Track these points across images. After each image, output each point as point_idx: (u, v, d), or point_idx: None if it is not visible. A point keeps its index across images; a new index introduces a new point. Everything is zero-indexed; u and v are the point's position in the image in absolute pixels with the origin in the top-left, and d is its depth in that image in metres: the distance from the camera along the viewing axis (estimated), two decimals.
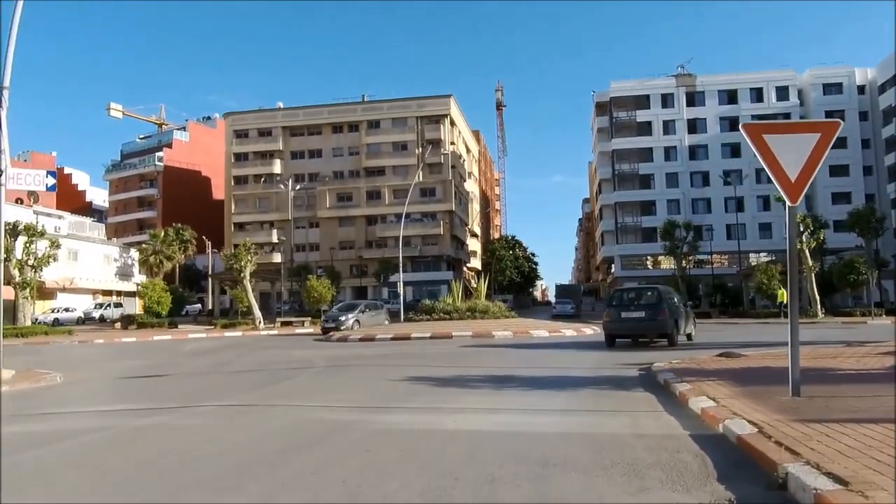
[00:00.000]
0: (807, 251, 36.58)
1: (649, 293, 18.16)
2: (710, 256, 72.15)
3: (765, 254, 71.64)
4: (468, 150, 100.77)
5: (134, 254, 76.28)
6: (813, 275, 36.30)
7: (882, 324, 30.34)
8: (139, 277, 75.10)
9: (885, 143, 75.85)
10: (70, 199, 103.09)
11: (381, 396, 8.56)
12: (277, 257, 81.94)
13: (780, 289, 39.51)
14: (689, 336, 18.43)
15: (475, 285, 26.88)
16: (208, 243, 79.29)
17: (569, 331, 23.52)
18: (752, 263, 64.73)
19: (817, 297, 36.40)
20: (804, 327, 28.44)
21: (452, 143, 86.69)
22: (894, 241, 69.67)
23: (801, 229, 36.82)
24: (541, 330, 22.93)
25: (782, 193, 7.07)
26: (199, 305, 70.65)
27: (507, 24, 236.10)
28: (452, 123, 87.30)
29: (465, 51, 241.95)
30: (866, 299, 44.98)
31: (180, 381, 11.73)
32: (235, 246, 73.51)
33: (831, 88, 79.05)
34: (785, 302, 38.30)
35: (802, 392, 6.93)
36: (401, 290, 42.06)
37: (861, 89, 78.84)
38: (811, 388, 7.10)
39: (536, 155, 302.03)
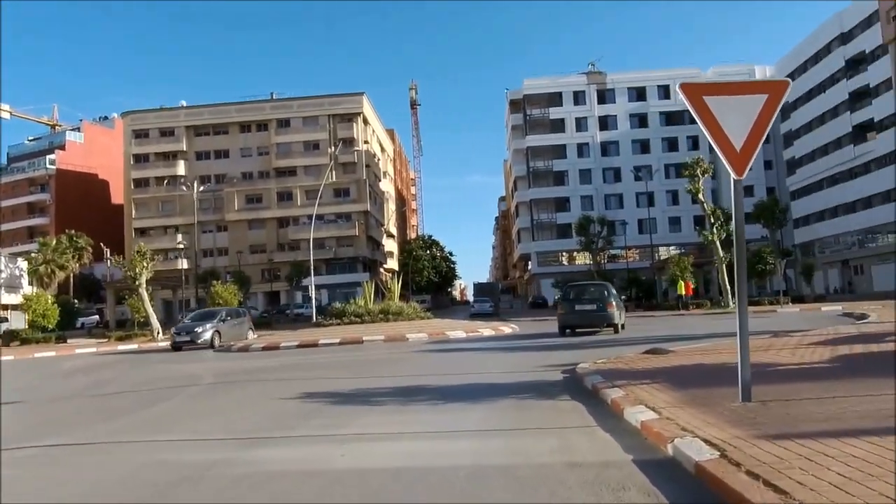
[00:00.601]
0: (717, 242, 37.01)
1: (597, 288, 20.28)
2: (622, 251, 73.51)
3: (674, 247, 73.38)
4: (383, 150, 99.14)
5: (22, 264, 70.70)
6: (724, 265, 36.74)
7: (791, 311, 30.85)
8: (30, 289, 69.74)
9: (784, 139, 79.15)
10: None
11: (263, 422, 7.08)
12: (184, 263, 77.97)
13: (679, 280, 40.01)
14: (622, 326, 19.54)
15: (390, 286, 25.41)
16: (106, 250, 74.51)
17: (487, 330, 22.49)
18: (663, 257, 66.20)
19: (728, 288, 36.86)
20: (714, 317, 28.66)
21: (366, 142, 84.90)
22: (793, 232, 72.86)
23: (712, 221, 37.27)
24: (457, 330, 21.78)
25: (727, 165, 6.05)
26: (96, 317, 66.14)
27: (422, 22, 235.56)
28: (366, 122, 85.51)
29: (379, 49, 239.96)
30: (769, 288, 46.38)
31: (29, 410, 9.81)
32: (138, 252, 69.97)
33: None
34: (683, 294, 38.72)
35: (753, 395, 5.93)
36: (312, 293, 40.20)
37: None
38: (759, 390, 6.11)
39: (453, 155, 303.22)
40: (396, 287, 25.53)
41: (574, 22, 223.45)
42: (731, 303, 36.45)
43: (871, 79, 62.15)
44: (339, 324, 23.21)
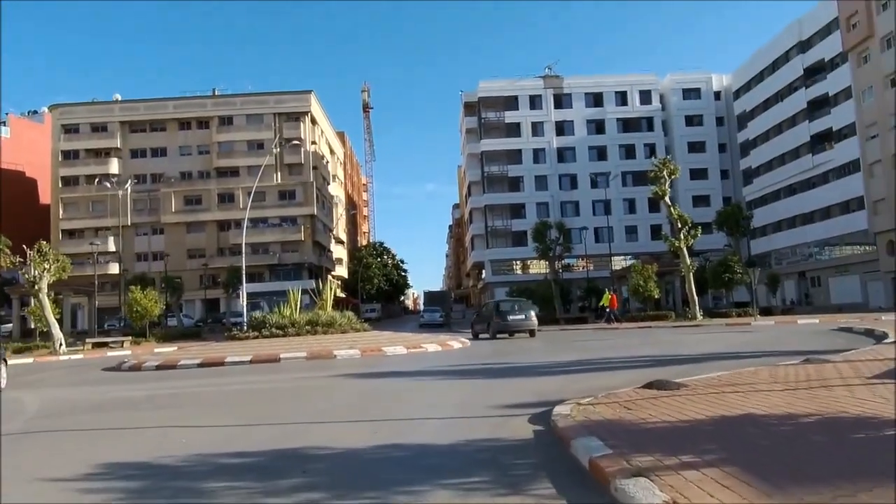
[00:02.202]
0: (684, 249, 34.48)
1: (522, 303, 28.40)
2: (578, 260, 71.13)
3: (630, 256, 71.36)
4: (332, 152, 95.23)
5: None
6: (691, 275, 34.22)
7: (766, 324, 28.31)
8: None
9: (740, 148, 78.05)
10: None
11: None
12: (115, 268, 72.68)
13: (608, 292, 37.45)
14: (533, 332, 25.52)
15: (322, 293, 21.80)
16: (29, 253, 68.69)
17: (432, 345, 19.10)
18: (618, 267, 63.96)
19: (695, 299, 34.35)
20: (688, 331, 25.88)
21: (314, 143, 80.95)
22: (749, 243, 71.54)
23: (679, 226, 34.72)
24: (397, 345, 18.34)
25: None
26: (11, 325, 60.42)
27: (374, 21, 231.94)
28: (314, 121, 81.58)
29: (330, 49, 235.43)
30: (726, 300, 44.21)
31: None
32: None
33: (690, 93, 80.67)
34: (607, 306, 36.05)
35: None
36: (243, 300, 36.09)
37: (717, 95, 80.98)
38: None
39: (407, 162, 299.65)
40: (329, 294, 21.94)
41: (530, 25, 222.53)
42: (698, 314, 33.94)
43: (830, 87, 61.12)
44: (257, 336, 19.51)
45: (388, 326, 45.53)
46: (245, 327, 20.65)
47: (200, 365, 16.50)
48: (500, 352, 17.31)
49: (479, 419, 6.78)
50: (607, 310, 36.12)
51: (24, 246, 69.68)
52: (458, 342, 20.77)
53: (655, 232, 78.41)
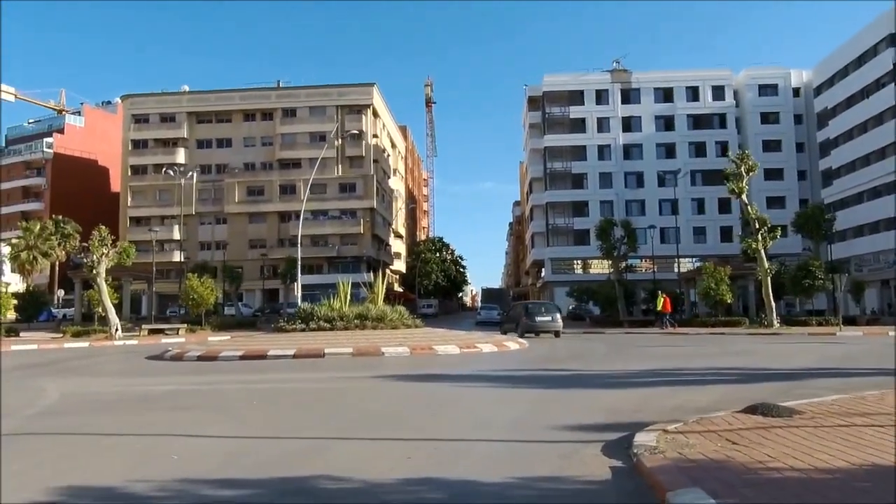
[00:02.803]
0: (762, 252, 32.12)
1: (549, 306, 31.97)
2: (641, 261, 68.44)
3: (696, 259, 68.37)
4: (393, 146, 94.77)
5: (5, 249, 66.83)
6: (769, 279, 31.83)
7: (853, 335, 25.91)
8: (11, 276, 65.87)
9: (820, 147, 73.84)
10: None
11: None
12: (179, 256, 74.03)
13: (661, 295, 35.32)
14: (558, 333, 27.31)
15: (374, 286, 20.74)
16: (121, 243, 70.52)
17: (487, 345, 17.78)
18: (684, 269, 61.12)
19: (773, 305, 31.95)
20: (767, 339, 23.80)
21: (375, 136, 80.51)
22: (830, 247, 67.51)
23: (757, 227, 32.36)
24: (450, 345, 17.11)
25: None
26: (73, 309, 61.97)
27: (439, 14, 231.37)
28: (376, 114, 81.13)
29: (394, 44, 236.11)
30: (800, 307, 41.33)
31: None
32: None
33: (767, 90, 76.67)
34: (662, 310, 33.94)
35: None
36: (298, 292, 35.61)
37: (796, 92, 76.80)
38: None
39: (465, 160, 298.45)
40: (381, 287, 20.86)
41: (598, 18, 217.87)
42: (774, 321, 31.60)
43: None
44: (303, 329, 18.58)
45: (445, 323, 44.45)
46: (292, 319, 19.71)
47: (242, 357, 15.64)
48: (560, 356, 15.87)
49: (539, 445, 5.47)
50: (664, 315, 34.27)
51: (93, 233, 71.49)
52: (515, 343, 19.40)
53: (725, 234, 75.07)
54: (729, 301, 34.84)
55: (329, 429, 6.32)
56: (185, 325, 35.23)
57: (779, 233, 32.58)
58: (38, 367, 15.89)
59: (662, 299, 34.73)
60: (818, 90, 73.06)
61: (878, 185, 63.38)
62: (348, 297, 20.07)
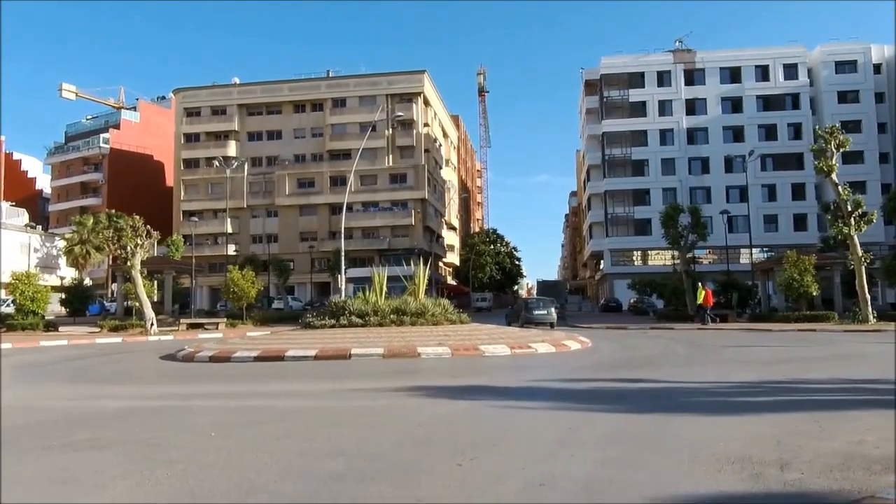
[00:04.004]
0: (855, 237, 28.49)
1: (546, 301, 34.07)
2: (706, 252, 64.39)
3: (766, 249, 64.01)
4: (445, 135, 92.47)
5: (60, 243, 67.39)
6: (863, 268, 28.19)
7: None
8: (66, 270, 66.37)
9: None
10: (19, 186, 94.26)
11: None
12: (232, 248, 73.52)
13: (703, 287, 32.21)
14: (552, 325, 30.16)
15: (415, 277, 18.40)
16: (154, 233, 70.55)
17: (543, 344, 15.20)
18: (745, 260, 57.00)
19: (868, 297, 28.29)
20: (876, 338, 20.36)
21: (426, 125, 78.37)
22: None
23: (850, 209, 28.71)
24: (499, 344, 14.60)
25: None
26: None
27: (490, 7, 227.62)
28: (426, 103, 78.95)
29: (446, 32, 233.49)
30: (882, 299, 37.11)
31: None
32: (185, 237, 65.50)
33: (844, 67, 71.31)
34: (703, 303, 30.56)
35: None
36: (342, 284, 33.69)
37: (877, 68, 71.16)
38: None
39: (521, 152, 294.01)
40: (422, 277, 18.50)
41: None
42: (870, 316, 27.96)
43: None
44: (333, 325, 16.38)
45: (498, 318, 41.94)
46: (321, 315, 17.50)
47: (257, 359, 13.51)
48: (632, 360, 13.15)
49: None
50: (705, 309, 31.18)
51: (149, 226, 71.55)
52: (575, 341, 16.76)
53: (799, 222, 70.30)
54: (815, 293, 31.20)
55: (285, 493, 3.95)
56: (226, 320, 33.67)
57: (874, 216, 28.84)
58: (32, 367, 14.12)
59: (704, 292, 31.65)
60: None
61: None
62: (384, 289, 17.81)
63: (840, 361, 11.95)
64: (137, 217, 30.76)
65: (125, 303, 38.16)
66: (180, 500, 3.88)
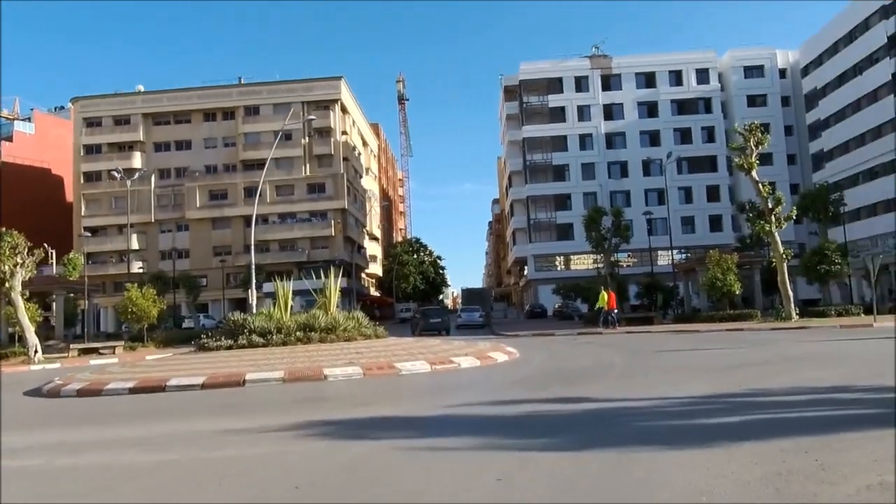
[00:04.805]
0: (776, 235, 28.48)
1: (440, 310, 40.34)
2: (626, 255, 64.85)
3: (683, 250, 64.98)
4: (365, 144, 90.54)
5: None
6: (785, 265, 28.16)
7: (892, 325, 22.21)
8: None
9: (809, 130, 70.94)
10: None
11: None
12: (138, 266, 69.20)
13: (605, 290, 31.06)
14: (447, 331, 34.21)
15: (325, 289, 16.59)
16: (52, 252, 65.54)
17: (467, 358, 13.70)
18: (664, 262, 57.67)
19: (790, 294, 28.28)
20: (805, 335, 19.90)
21: (345, 133, 76.27)
22: (845, 229, 64.42)
23: (770, 206, 28.68)
24: (419, 360, 13.00)
25: None
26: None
27: (407, 8, 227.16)
28: (344, 110, 76.90)
29: (364, 39, 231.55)
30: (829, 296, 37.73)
31: None
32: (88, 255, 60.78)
33: (752, 71, 73.71)
34: (605, 308, 29.66)
35: None
36: (253, 300, 31.42)
37: (783, 73, 73.86)
38: None
39: (443, 161, 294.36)
40: (334, 289, 16.74)
41: (575, 3, 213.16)
42: (793, 313, 27.91)
43: None
44: (231, 346, 14.41)
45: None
46: (217, 335, 15.46)
47: (133, 391, 11.44)
48: (566, 372, 11.79)
49: None
50: (604, 312, 29.82)
51: (46, 244, 66.10)
52: (502, 353, 15.37)
53: (714, 223, 71.89)
54: (738, 292, 31.09)
55: None
56: (123, 343, 30.77)
57: (794, 213, 28.95)
58: None
59: (606, 295, 30.16)
60: (806, 70, 70.21)
61: (874, 165, 60.47)
62: (289, 303, 15.96)
63: (790, 365, 10.95)
64: (17, 234, 27.59)
65: (9, 329, 34.49)
66: None
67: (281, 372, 11.70)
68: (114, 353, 29.24)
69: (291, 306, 16.25)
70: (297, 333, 14.58)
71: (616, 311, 30.34)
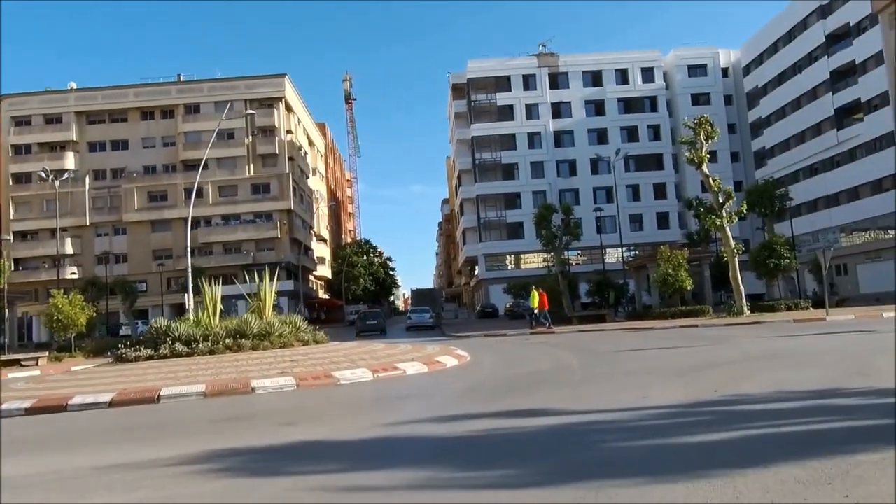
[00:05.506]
0: (727, 229, 28.22)
1: (376, 312, 45.19)
2: (576, 253, 64.76)
3: (631, 247, 65.10)
4: (311, 144, 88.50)
5: None
6: (736, 260, 27.92)
7: (845, 318, 22.07)
8: None
9: (751, 128, 72.12)
10: None
11: None
12: (71, 271, 66.00)
13: (535, 289, 29.90)
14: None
15: (260, 292, 15.24)
16: None
17: (413, 364, 12.59)
18: (612, 260, 57.76)
19: (741, 289, 28.05)
20: (761, 331, 19.47)
21: (290, 132, 74.29)
22: (792, 223, 65.49)
23: (721, 200, 28.40)
24: (360, 367, 11.84)
25: None
26: None
27: (354, 7, 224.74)
28: (289, 109, 74.90)
29: (307, 36, 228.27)
30: (781, 290, 37.85)
31: None
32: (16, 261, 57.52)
33: (696, 70, 74.62)
34: (538, 307, 28.40)
35: None
36: (190, 305, 29.62)
37: (725, 72, 74.93)
38: None
39: (392, 163, 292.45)
40: (268, 292, 15.41)
41: (522, 3, 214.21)
42: (745, 308, 27.66)
43: (857, 54, 55.06)
44: (151, 357, 12.99)
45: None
46: (138, 344, 13.99)
47: (29, 411, 9.96)
48: (521, 378, 10.77)
49: None
50: (535, 312, 28.64)
51: None
52: (451, 356, 14.31)
53: (662, 220, 72.42)
54: (689, 288, 30.78)
55: None
56: (48, 354, 28.64)
57: (744, 208, 28.75)
58: None
59: (537, 295, 28.88)
60: (747, 69, 71.35)
61: (814, 162, 61.67)
62: (218, 308, 14.59)
63: (760, 365, 10.17)
64: None
65: None
66: None
67: (202, 385, 10.38)
68: (37, 364, 27.10)
69: (222, 311, 14.88)
70: (227, 341, 13.23)
71: (546, 310, 29.01)
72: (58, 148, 71.45)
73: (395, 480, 4.47)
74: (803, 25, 61.31)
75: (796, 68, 62.81)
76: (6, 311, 32.35)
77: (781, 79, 65.13)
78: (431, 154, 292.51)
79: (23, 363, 27.46)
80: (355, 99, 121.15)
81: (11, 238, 65.38)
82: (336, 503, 4.09)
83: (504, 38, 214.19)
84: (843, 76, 57.26)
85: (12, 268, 64.31)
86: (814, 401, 6.40)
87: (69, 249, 68.40)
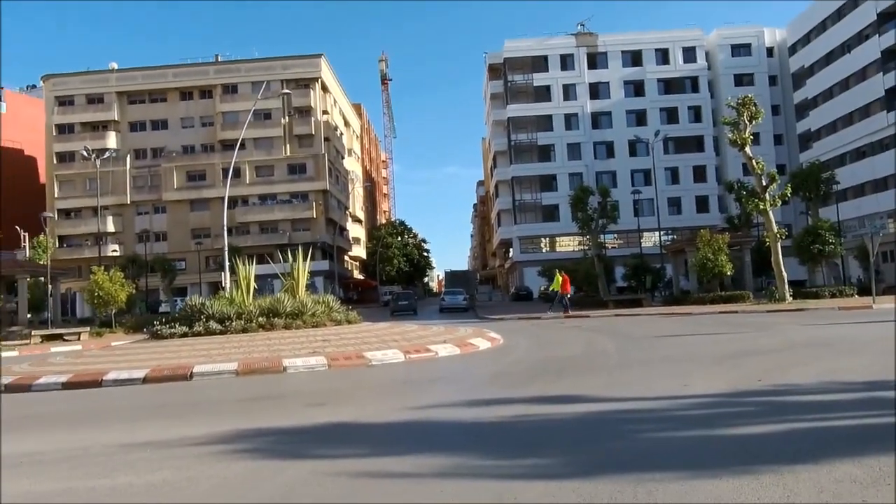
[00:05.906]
0: (770, 213, 27.43)
1: (409, 293, 45.83)
2: (613, 237, 63.93)
3: (669, 232, 63.95)
4: (347, 124, 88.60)
5: None
6: (778, 245, 27.16)
7: (892, 307, 21.27)
8: None
9: (796, 109, 70.02)
10: None
11: None
12: (113, 249, 67.49)
13: (559, 273, 29.08)
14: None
15: (294, 270, 15.23)
16: (24, 234, 63.54)
17: (445, 346, 12.46)
18: (649, 244, 56.72)
19: (784, 275, 27.30)
20: (802, 317, 18.87)
21: (326, 112, 74.41)
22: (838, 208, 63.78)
23: (765, 184, 27.60)
24: (391, 348, 11.76)
25: None
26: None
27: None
28: (325, 89, 74.96)
29: (344, 18, 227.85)
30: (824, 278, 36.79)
31: None
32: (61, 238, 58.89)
33: (740, 50, 72.55)
34: (560, 291, 27.79)
35: None
36: (226, 283, 29.93)
37: (770, 51, 72.73)
38: None
39: (427, 144, 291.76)
40: (301, 271, 15.40)
41: None
42: (787, 294, 26.93)
43: None
44: (185, 334, 13.09)
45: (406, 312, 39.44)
46: (172, 321, 14.12)
47: (66, 385, 10.09)
48: (554, 362, 10.55)
49: None
50: (559, 295, 28.15)
51: (16, 227, 63.92)
52: (484, 339, 14.14)
53: (701, 204, 71.01)
54: (729, 273, 30.08)
55: None
56: (90, 329, 29.29)
57: (789, 191, 27.91)
58: None
59: (560, 278, 28.22)
60: (793, 49, 69.14)
61: (861, 145, 59.68)
62: (251, 286, 14.62)
63: (806, 353, 9.79)
64: None
65: None
66: None
67: (235, 363, 10.39)
68: (79, 339, 27.82)
69: (256, 290, 14.92)
70: (260, 319, 13.26)
71: (569, 294, 28.63)
72: (100, 127, 72.72)
73: (423, 467, 4.32)
74: (853, 3, 59.08)
75: (845, 48, 60.65)
76: (50, 286, 33.08)
77: (829, 59, 62.98)
78: (467, 135, 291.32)
79: (65, 338, 28.21)
80: (391, 80, 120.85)
81: (56, 216, 66.92)
82: (359, 490, 3.94)
83: (542, 17, 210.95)
84: (895, 56, 55.13)
85: (56, 245, 66.02)
86: (866, 392, 6.07)
87: (111, 227, 69.86)
